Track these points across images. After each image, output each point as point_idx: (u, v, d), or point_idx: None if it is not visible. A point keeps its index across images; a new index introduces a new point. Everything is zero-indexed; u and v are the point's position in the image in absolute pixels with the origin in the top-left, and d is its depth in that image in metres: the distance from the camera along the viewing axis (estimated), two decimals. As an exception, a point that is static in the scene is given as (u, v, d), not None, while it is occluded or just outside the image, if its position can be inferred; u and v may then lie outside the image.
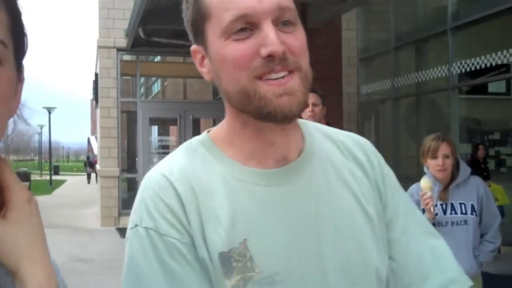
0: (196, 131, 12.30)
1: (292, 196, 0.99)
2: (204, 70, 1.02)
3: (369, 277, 1.01)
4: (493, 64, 8.09)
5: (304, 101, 0.94)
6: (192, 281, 0.93)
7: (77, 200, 21.76)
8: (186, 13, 1.01)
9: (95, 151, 28.86)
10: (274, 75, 0.92)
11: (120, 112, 13.23)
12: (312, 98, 4.37)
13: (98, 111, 14.95)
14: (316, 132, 1.10)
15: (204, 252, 0.93)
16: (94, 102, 16.56)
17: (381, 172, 1.10)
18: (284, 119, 0.94)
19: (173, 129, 13.72)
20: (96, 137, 22.26)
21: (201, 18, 0.97)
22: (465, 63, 8.77)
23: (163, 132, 14.46)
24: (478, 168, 8.02)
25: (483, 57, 8.27)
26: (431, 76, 9.85)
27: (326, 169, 1.05)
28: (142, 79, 14.59)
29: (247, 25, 0.92)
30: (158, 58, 14.62)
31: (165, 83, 15.84)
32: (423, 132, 8.80)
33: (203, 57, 1.02)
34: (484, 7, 7.98)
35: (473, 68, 8.52)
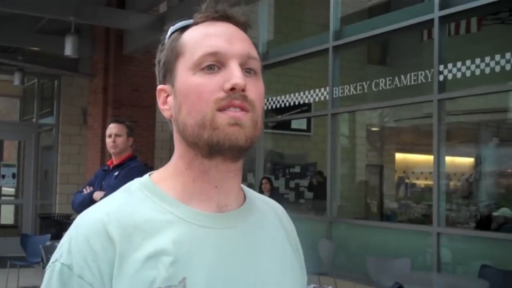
0: (-2, 153, 11.64)
1: (235, 242, 1.02)
2: (166, 107, 1.06)
3: None
4: (296, 102, 8.69)
5: (252, 139, 1.00)
6: None
7: None
8: (160, 55, 1.08)
9: None
10: (231, 109, 0.98)
11: None
12: (114, 128, 4.42)
13: None
14: (250, 192, 1.16)
15: None
16: None
17: (295, 241, 1.18)
18: (230, 149, 0.98)
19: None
20: None
21: (175, 57, 1.04)
22: (272, 100, 9.22)
23: (-39, 153, 12.53)
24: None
25: (287, 95, 8.86)
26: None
27: (264, 223, 1.11)
28: None
29: (215, 63, 1.00)
30: (-38, 72, 12.53)
31: (-32, 100, 13.60)
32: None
33: (167, 96, 1.06)
34: (292, 49, 8.58)
35: (278, 106, 9.05)
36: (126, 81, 10.39)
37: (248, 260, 1.04)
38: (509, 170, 10.88)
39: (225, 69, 1.00)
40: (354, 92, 7.67)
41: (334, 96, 7.86)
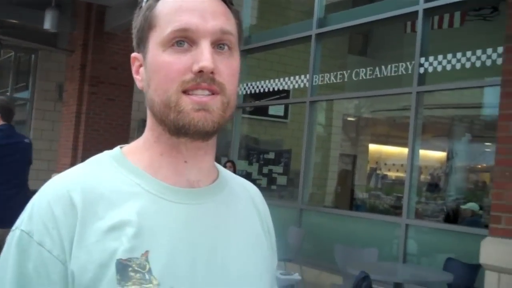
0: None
1: (201, 217, 1.01)
2: (138, 77, 1.05)
3: None
4: (276, 88, 8.79)
5: (220, 123, 0.98)
6: None
7: None
8: (136, 20, 1.05)
9: None
10: (199, 91, 0.96)
11: None
12: None
13: None
14: (225, 171, 1.15)
15: (77, 265, 0.90)
16: None
17: (267, 223, 1.18)
18: (196, 133, 0.97)
19: None
20: None
21: (148, 27, 1.01)
22: (251, 85, 9.22)
23: None
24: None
25: (267, 81, 8.96)
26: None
27: (235, 202, 1.10)
28: None
29: (186, 40, 0.96)
30: None
31: None
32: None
33: (140, 65, 1.05)
34: (274, 35, 8.66)
35: (257, 91, 9.08)
36: (105, 59, 10.26)
37: (214, 236, 1.03)
38: (479, 166, 11.10)
39: (196, 47, 0.98)
40: (334, 81, 7.73)
41: (313, 84, 7.92)
